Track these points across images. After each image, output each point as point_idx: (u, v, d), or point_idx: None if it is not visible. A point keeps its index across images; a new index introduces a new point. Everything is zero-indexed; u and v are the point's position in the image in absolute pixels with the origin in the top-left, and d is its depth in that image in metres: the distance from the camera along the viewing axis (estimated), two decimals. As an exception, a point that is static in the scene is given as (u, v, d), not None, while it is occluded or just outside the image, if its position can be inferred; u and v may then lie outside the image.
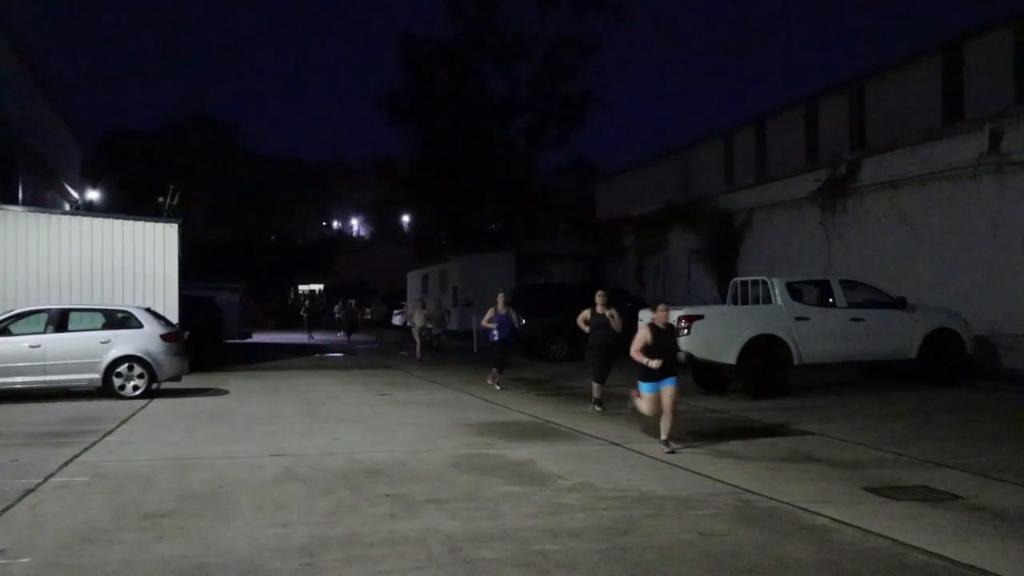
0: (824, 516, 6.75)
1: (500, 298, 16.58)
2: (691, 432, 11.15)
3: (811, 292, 16.13)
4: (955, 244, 18.32)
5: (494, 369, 16.59)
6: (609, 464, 9.02)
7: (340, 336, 38.30)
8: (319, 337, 38.51)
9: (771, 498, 7.37)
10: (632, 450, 9.84)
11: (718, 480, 8.14)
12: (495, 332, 16.36)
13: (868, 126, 24.35)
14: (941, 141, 19.05)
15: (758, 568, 5.49)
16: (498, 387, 16.17)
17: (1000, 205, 17.37)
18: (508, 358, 17.04)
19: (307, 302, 44.59)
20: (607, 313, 13.70)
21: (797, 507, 7.05)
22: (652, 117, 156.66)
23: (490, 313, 16.44)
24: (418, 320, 26.16)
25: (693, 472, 8.53)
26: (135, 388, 15.23)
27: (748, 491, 7.64)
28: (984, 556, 5.70)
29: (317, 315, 40.84)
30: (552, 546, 5.97)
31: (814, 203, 22.48)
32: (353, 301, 44.65)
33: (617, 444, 10.24)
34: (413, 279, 45.18)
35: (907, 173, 19.65)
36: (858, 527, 6.42)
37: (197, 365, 17.93)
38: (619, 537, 6.20)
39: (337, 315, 41.02)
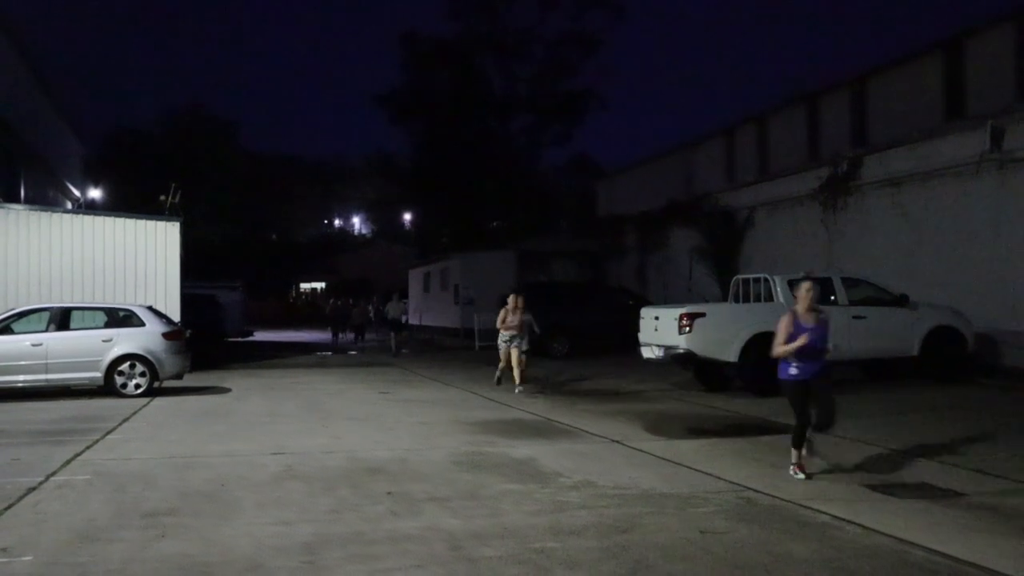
0: (825, 513, 6.75)
1: (803, 291, 8.27)
2: (691, 429, 11.18)
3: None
4: (957, 241, 18.30)
5: (796, 452, 8.21)
6: (610, 462, 9.02)
7: (347, 337, 35.58)
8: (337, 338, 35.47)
9: (772, 495, 7.37)
10: (633, 448, 9.84)
11: (719, 478, 8.14)
12: (795, 366, 8.09)
13: (870, 123, 24.37)
14: (943, 138, 19.02)
15: (759, 565, 5.49)
16: (802, 475, 8.06)
17: (1002, 202, 17.34)
18: (827, 407, 8.25)
19: (331, 300, 39.45)
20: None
21: (798, 504, 7.05)
22: (653, 115, 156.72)
23: (786, 324, 8.13)
24: (511, 326, 15.81)
25: (694, 470, 8.53)
26: (137, 386, 15.25)
27: (749, 488, 7.64)
28: (985, 553, 5.69)
29: (345, 315, 34.95)
30: (553, 544, 5.97)
31: (816, 201, 22.45)
32: (375, 298, 41.07)
33: (618, 442, 10.24)
34: (415, 277, 45.21)
35: (909, 170, 19.63)
36: (859, 524, 6.42)
37: (199, 363, 17.95)
38: (620, 535, 6.20)
39: (327, 312, 38.08)
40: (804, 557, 5.66)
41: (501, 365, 16.09)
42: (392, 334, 28.23)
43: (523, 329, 15.86)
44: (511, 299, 16.04)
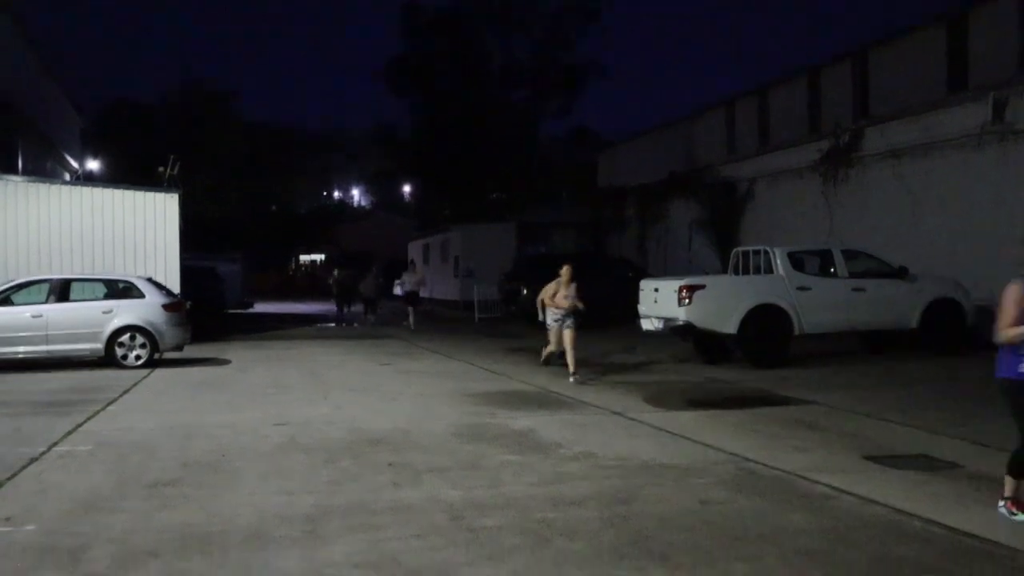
0: (824, 484, 6.79)
1: None
2: (691, 401, 11.22)
3: (812, 262, 16.12)
4: (957, 214, 18.26)
5: (1014, 483, 5.94)
6: (610, 433, 9.06)
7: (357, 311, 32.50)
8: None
9: (772, 467, 7.41)
10: (633, 419, 9.88)
11: (719, 449, 8.17)
12: None
13: (871, 96, 24.22)
14: (944, 110, 18.93)
15: (758, 535, 5.52)
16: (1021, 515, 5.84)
17: (1003, 174, 17.29)
18: None
19: (336, 271, 35.48)
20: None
21: (797, 475, 7.09)
22: (654, 86, 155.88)
23: (1018, 296, 5.71)
24: (563, 300, 13.64)
25: (694, 441, 8.57)
26: (137, 358, 15.29)
27: (749, 460, 7.68)
28: (982, 524, 5.73)
29: (352, 287, 31.21)
30: (553, 514, 6.01)
31: (816, 173, 22.38)
32: (374, 268, 37.30)
33: (618, 413, 10.27)
34: (415, 248, 45.18)
35: (910, 143, 19.55)
36: (857, 495, 6.46)
37: (199, 335, 17.97)
38: (620, 505, 6.23)
39: (331, 283, 35.41)
40: (802, 527, 5.70)
41: (550, 349, 14.11)
42: (410, 308, 26.54)
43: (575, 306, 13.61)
44: (564, 271, 13.66)
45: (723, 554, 5.16)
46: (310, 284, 60.62)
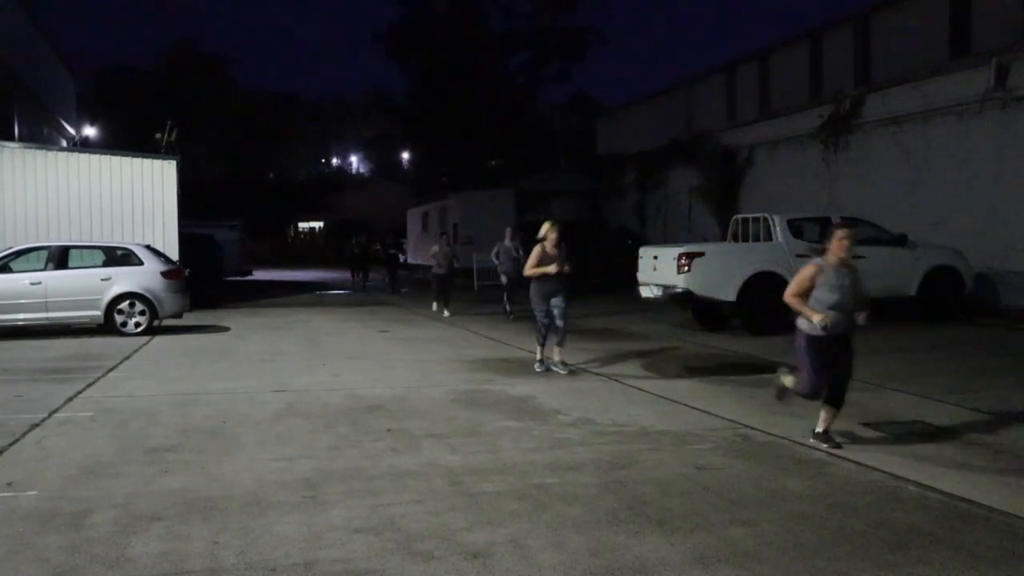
0: (820, 450, 6.83)
1: None
2: (689, 368, 11.25)
3: (812, 229, 16.09)
4: (958, 181, 18.21)
5: None
6: (608, 400, 9.09)
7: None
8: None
9: (769, 433, 7.44)
10: (631, 386, 9.91)
11: (717, 415, 8.21)
12: None
13: (873, 61, 24.09)
14: (946, 76, 18.81)
15: (754, 500, 5.56)
16: None
17: (1004, 141, 17.22)
18: None
19: (356, 239, 32.68)
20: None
21: (794, 442, 7.13)
22: (654, 52, 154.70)
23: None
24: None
25: (692, 407, 8.61)
26: (137, 325, 15.30)
27: (746, 426, 7.72)
28: (978, 489, 5.77)
29: (367, 257, 30.23)
30: (552, 479, 6.04)
31: (817, 139, 22.29)
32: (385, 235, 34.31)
33: (616, 380, 10.31)
34: (413, 216, 45.06)
35: (911, 109, 19.45)
36: (854, 461, 6.50)
37: (198, 302, 17.98)
38: (618, 471, 6.27)
39: (348, 253, 33.93)
40: (799, 492, 5.74)
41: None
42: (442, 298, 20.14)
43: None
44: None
45: (720, 519, 5.20)
46: (310, 251, 60.72)
